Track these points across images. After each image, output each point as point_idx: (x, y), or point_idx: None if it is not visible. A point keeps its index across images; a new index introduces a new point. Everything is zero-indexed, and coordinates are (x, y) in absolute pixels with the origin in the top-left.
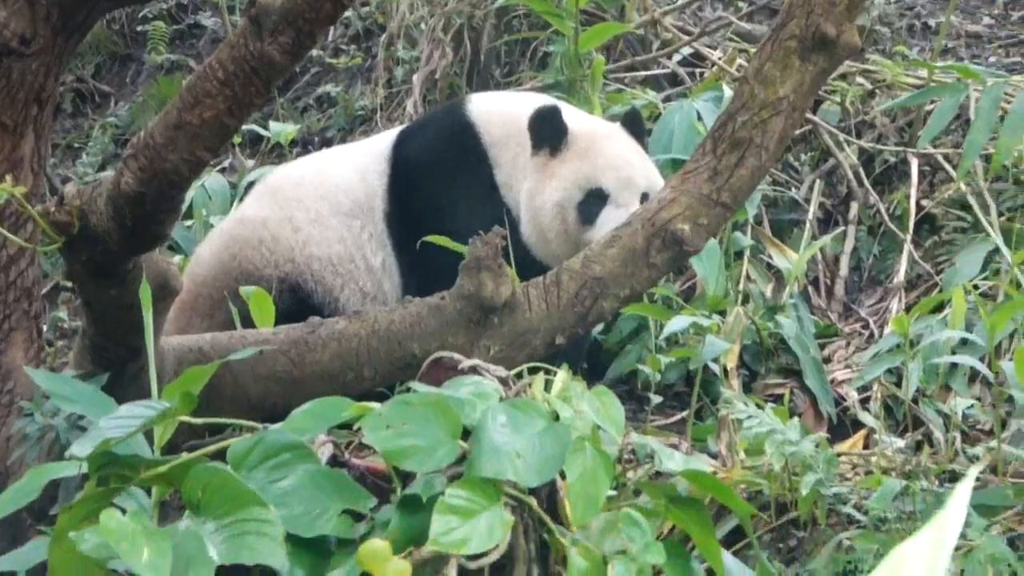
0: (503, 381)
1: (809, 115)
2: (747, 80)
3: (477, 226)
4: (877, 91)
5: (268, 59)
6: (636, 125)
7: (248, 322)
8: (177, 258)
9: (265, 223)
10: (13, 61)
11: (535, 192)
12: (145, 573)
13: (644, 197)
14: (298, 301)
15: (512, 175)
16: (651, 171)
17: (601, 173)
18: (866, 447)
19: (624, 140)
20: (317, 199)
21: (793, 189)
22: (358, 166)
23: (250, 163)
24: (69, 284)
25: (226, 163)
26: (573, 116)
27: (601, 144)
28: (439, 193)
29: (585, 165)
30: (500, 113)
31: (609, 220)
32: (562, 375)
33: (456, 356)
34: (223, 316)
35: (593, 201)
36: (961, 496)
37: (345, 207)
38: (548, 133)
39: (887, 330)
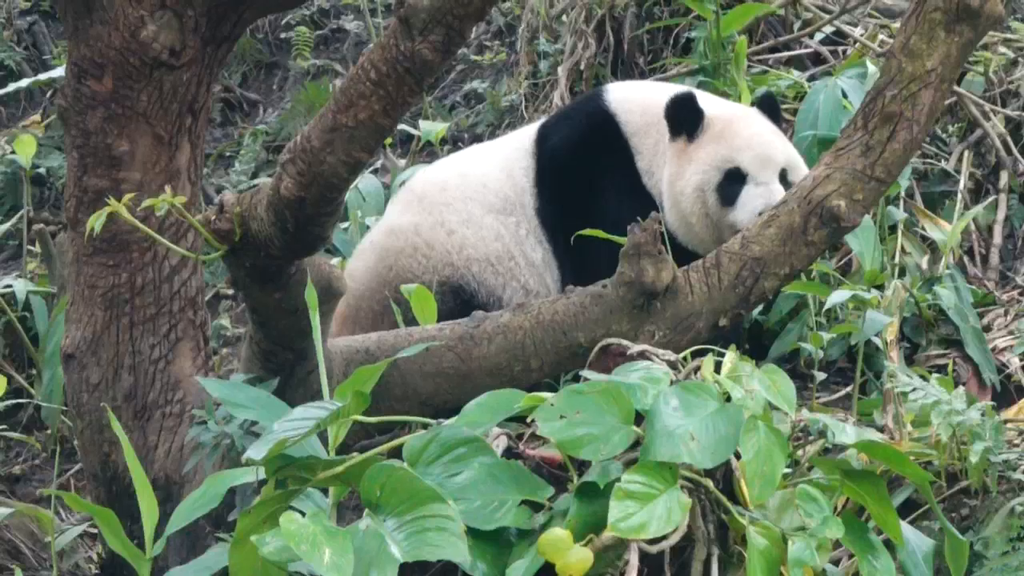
0: (672, 365)
1: (954, 87)
2: (894, 55)
3: (625, 214)
4: (1020, 59)
5: (420, 58)
6: (771, 107)
7: (412, 326)
8: (335, 260)
9: (417, 230)
10: (164, 74)
11: (675, 178)
12: (327, 573)
13: (783, 174)
14: (461, 303)
15: (653, 162)
16: (789, 148)
17: (738, 153)
18: None
19: (760, 120)
20: (465, 200)
21: (942, 161)
22: (502, 163)
23: (402, 162)
24: (231, 292)
25: (378, 164)
26: (708, 101)
27: (737, 125)
28: (585, 185)
29: (722, 147)
30: (639, 101)
31: (750, 199)
32: (731, 356)
33: (624, 342)
34: (386, 327)
35: (732, 181)
36: None
37: (496, 205)
38: (684, 119)
39: None
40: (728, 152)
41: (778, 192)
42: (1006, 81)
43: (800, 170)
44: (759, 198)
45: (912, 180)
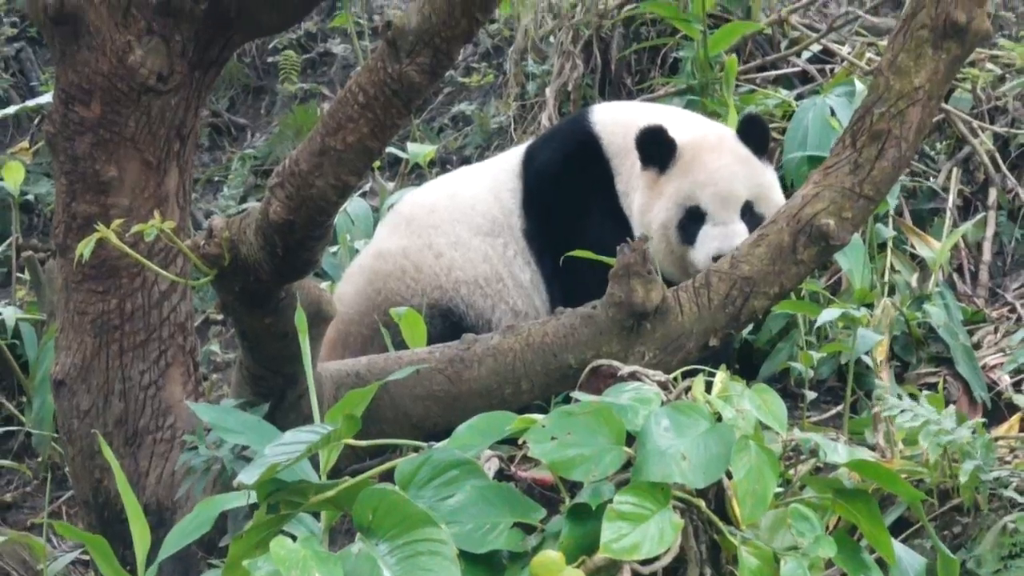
0: (663, 385)
1: (942, 104)
2: (881, 72)
3: (606, 236)
4: (1007, 76)
5: (407, 80)
6: (751, 130)
7: (402, 349)
8: (324, 284)
9: (405, 253)
10: (152, 99)
11: (644, 210)
12: None
13: (748, 207)
14: (450, 326)
15: (630, 185)
16: (758, 178)
17: (700, 189)
18: (1022, 430)
19: (731, 149)
20: (453, 222)
21: (931, 178)
22: (490, 185)
23: (390, 185)
24: (220, 317)
25: (367, 187)
26: (684, 127)
27: (704, 157)
28: (569, 205)
29: (685, 182)
30: (623, 123)
31: (707, 240)
32: (721, 375)
33: (615, 363)
34: (376, 351)
35: (692, 220)
36: None
37: (484, 227)
38: (654, 152)
39: None
40: (690, 189)
41: (737, 232)
42: (994, 98)
43: (770, 200)
44: (714, 240)
45: (901, 198)
